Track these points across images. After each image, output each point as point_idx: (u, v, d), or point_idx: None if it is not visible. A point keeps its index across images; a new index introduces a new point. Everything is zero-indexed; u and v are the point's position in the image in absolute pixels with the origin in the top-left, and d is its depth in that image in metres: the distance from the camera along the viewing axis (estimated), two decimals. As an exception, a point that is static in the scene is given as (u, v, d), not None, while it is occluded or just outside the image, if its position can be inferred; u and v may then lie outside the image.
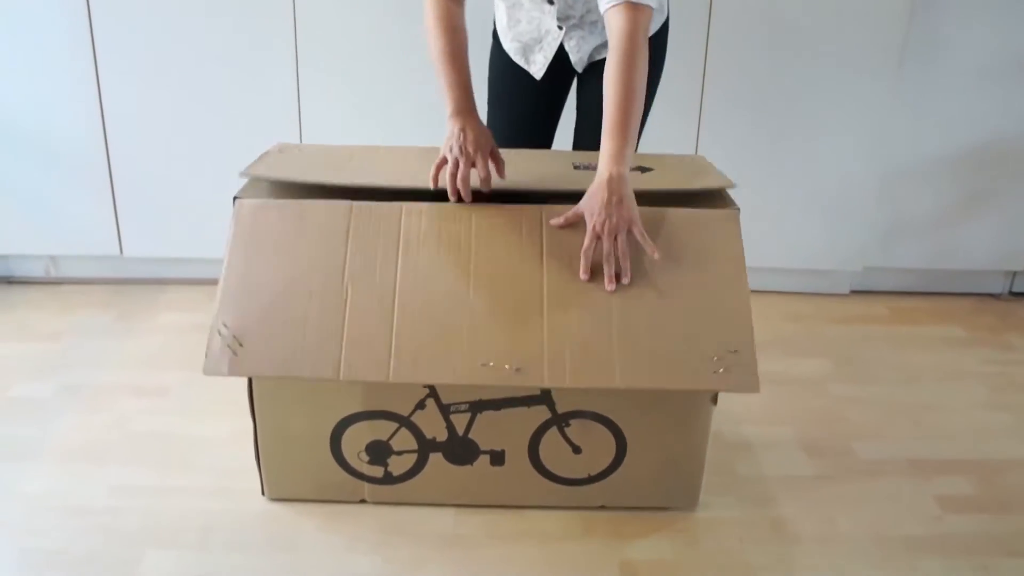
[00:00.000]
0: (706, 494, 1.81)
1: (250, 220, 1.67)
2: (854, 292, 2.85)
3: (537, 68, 2.01)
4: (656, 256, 1.61)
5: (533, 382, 1.54)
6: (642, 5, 1.64)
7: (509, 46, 2.03)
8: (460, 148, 1.68)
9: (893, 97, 2.55)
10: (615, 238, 1.60)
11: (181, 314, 2.55)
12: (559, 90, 2.08)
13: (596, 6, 1.81)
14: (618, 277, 1.62)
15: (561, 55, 1.99)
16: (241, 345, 1.55)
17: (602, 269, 1.61)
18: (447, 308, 1.60)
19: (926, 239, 2.75)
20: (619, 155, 1.63)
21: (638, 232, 1.61)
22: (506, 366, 1.54)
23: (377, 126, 2.53)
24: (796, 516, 1.80)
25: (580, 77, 2.05)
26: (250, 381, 1.65)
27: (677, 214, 1.71)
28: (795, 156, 2.62)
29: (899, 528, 1.77)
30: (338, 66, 2.51)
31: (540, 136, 2.13)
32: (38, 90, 2.50)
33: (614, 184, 1.61)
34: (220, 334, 1.55)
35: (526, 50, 2.01)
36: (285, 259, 1.64)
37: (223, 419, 2.01)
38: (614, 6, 1.65)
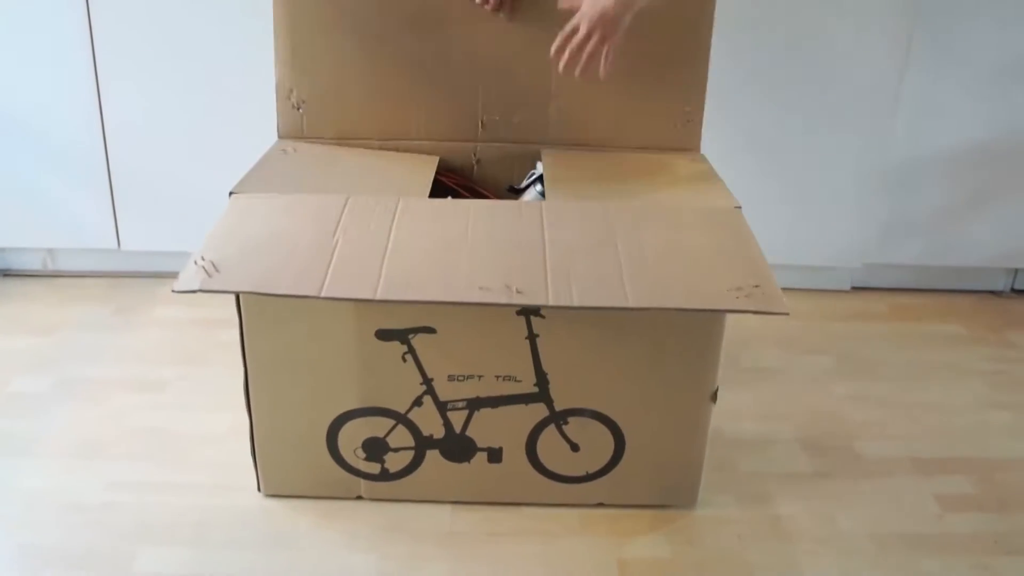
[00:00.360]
0: (705, 492, 1.80)
1: (244, 207, 1.66)
2: (855, 288, 2.84)
3: None
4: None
5: (536, 301, 1.45)
6: None
7: None
8: None
9: (896, 93, 2.54)
10: (588, 36, 1.63)
11: (179, 308, 2.53)
12: None
13: None
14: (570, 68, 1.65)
15: None
16: (217, 271, 1.47)
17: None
18: (444, 244, 1.55)
19: (927, 235, 2.74)
20: None
21: (609, 45, 1.64)
22: (506, 287, 1.46)
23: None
24: (796, 514, 1.79)
25: None
26: (246, 377, 1.64)
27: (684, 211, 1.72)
28: (795, 152, 2.61)
29: (899, 527, 1.77)
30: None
31: None
32: (35, 82, 2.49)
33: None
34: (196, 263, 1.48)
35: None
36: (275, 221, 1.61)
37: (220, 414, 2.00)
38: None
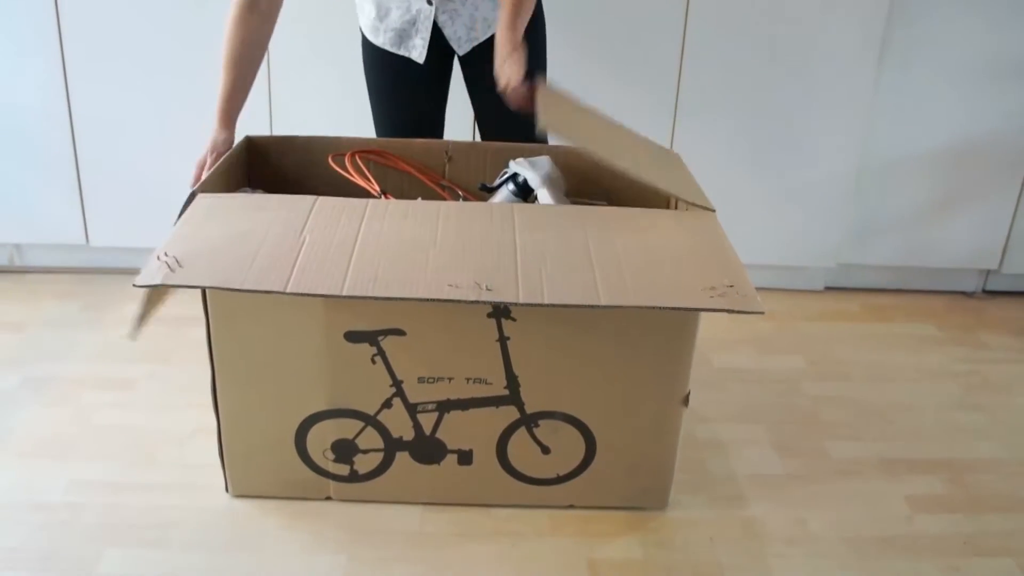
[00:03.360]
0: (676, 493, 1.79)
1: (209, 206, 1.64)
2: (828, 288, 2.85)
3: (418, 52, 2.01)
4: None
5: (506, 299, 1.42)
6: None
7: (383, 39, 2.03)
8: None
9: (870, 94, 2.55)
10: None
11: (148, 305, 2.51)
12: (442, 75, 2.09)
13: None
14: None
15: (437, 37, 2.00)
16: (181, 266, 1.45)
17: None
18: (413, 244, 1.53)
19: (901, 236, 2.74)
20: (519, 42, 1.79)
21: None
22: (475, 284, 1.44)
23: (347, 115, 2.50)
24: (767, 516, 1.79)
25: (466, 64, 2.07)
26: (213, 378, 1.63)
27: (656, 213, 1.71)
28: (771, 152, 2.61)
29: (870, 528, 1.77)
30: (308, 54, 2.47)
31: (430, 127, 2.14)
32: (2, 76, 2.45)
33: (520, 59, 1.77)
34: (159, 259, 1.46)
35: (402, 37, 2.01)
36: (241, 220, 1.59)
37: (189, 413, 1.98)
38: None
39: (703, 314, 1.59)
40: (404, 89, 2.08)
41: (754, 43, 2.50)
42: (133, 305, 2.47)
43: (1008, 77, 2.56)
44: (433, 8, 1.95)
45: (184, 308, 2.45)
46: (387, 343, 1.58)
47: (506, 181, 1.87)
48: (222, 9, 2.40)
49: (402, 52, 2.02)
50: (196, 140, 2.46)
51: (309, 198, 1.65)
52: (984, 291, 2.89)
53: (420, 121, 2.13)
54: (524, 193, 1.84)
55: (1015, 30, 2.50)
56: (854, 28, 2.47)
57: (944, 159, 2.64)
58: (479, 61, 2.02)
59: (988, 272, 2.86)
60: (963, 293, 2.88)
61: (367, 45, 2.08)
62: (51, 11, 2.39)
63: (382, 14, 1.98)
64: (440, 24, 1.98)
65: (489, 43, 1.94)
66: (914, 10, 2.47)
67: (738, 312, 1.43)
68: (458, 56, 2.05)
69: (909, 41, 2.51)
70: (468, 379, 1.62)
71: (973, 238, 2.75)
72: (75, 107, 2.50)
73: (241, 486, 1.75)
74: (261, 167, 1.98)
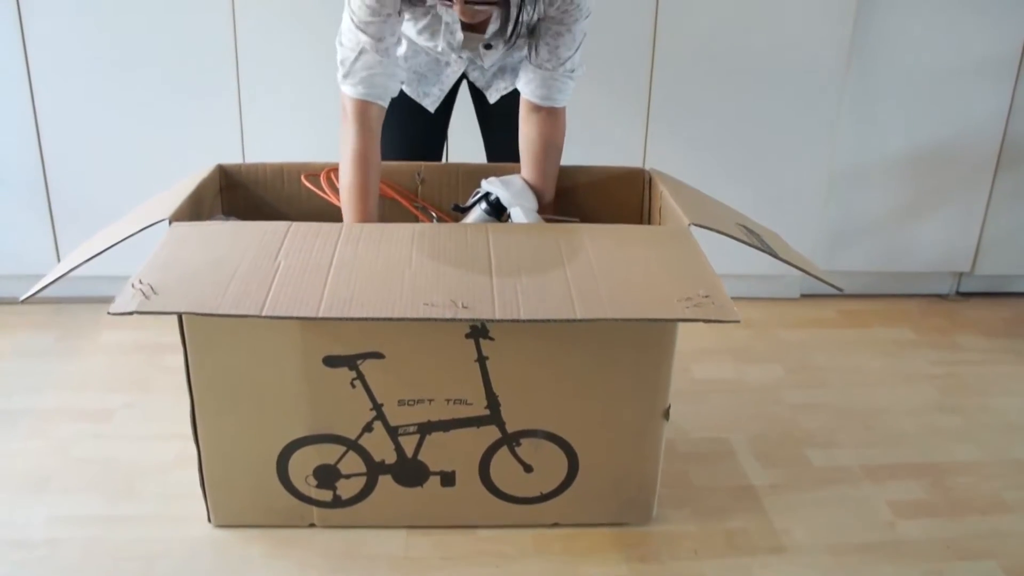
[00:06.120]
0: (660, 507, 1.80)
1: (183, 235, 1.63)
2: (804, 296, 2.86)
3: (431, 100, 1.98)
4: None
5: (482, 316, 1.42)
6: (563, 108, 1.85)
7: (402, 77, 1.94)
8: None
9: (840, 100, 2.56)
10: None
11: (124, 333, 2.49)
12: (449, 111, 2.06)
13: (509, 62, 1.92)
14: None
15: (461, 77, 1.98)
16: (156, 293, 1.43)
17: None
18: (388, 265, 1.52)
19: (874, 241, 2.76)
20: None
21: None
22: (452, 302, 1.43)
23: (318, 141, 2.49)
24: (751, 527, 1.79)
25: (481, 102, 2.04)
26: (192, 407, 1.61)
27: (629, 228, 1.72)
28: (742, 160, 2.62)
29: (853, 536, 1.78)
30: (278, 81, 2.47)
31: (435, 147, 2.11)
32: (-30, 107, 2.44)
33: None
34: (133, 286, 1.44)
35: (421, 81, 1.96)
36: (215, 247, 1.58)
37: (168, 443, 1.97)
38: (547, 109, 1.82)
39: (681, 325, 1.60)
40: (408, 122, 2.01)
41: (723, 51, 2.51)
42: (109, 334, 2.48)
43: (974, 79, 2.58)
44: (464, 63, 1.92)
45: (161, 336, 2.45)
46: (366, 367, 1.58)
47: (479, 200, 1.87)
48: (196, 36, 2.41)
49: (414, 97, 1.97)
50: (168, 167, 2.46)
51: (283, 224, 1.65)
52: (958, 293, 2.92)
53: (421, 154, 2.06)
54: (497, 212, 1.84)
55: (980, 32, 2.53)
56: (822, 34, 2.49)
57: (914, 163, 2.67)
58: (497, 106, 2.01)
59: (961, 275, 2.89)
60: (937, 296, 2.90)
61: None
62: (17, 39, 2.37)
63: (409, 54, 1.91)
64: (472, 79, 1.97)
65: (513, 95, 1.93)
66: (880, 15, 2.49)
67: (714, 322, 1.44)
68: (474, 93, 2.03)
69: (876, 46, 2.53)
70: (448, 400, 1.62)
71: (946, 241, 2.77)
72: (44, 135, 2.48)
73: (224, 516, 1.73)
74: (234, 194, 1.98)
